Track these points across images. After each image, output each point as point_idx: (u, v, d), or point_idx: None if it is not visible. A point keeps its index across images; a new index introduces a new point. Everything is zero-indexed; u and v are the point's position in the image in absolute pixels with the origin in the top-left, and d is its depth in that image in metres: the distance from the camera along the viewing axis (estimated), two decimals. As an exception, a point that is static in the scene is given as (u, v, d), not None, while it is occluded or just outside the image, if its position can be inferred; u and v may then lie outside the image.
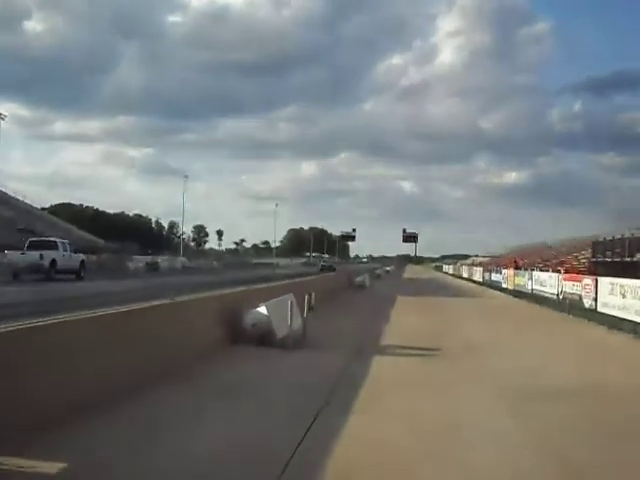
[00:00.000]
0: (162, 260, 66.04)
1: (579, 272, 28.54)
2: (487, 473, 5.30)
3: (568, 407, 7.45)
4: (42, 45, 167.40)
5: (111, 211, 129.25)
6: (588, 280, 20.84)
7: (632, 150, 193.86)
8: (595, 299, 19.46)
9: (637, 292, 16.44)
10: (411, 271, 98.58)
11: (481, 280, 49.33)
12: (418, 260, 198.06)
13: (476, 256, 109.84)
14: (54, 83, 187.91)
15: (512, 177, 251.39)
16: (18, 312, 11.10)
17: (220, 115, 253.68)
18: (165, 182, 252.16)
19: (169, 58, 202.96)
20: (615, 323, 16.59)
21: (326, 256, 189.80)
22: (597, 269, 27.89)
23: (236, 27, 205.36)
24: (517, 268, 39.07)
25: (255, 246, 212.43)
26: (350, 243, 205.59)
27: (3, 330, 6.03)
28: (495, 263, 60.44)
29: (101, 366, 6.98)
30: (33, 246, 32.15)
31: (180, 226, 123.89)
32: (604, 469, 5.44)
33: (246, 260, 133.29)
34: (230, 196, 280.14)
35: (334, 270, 65.60)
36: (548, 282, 26.67)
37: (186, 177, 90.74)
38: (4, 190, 75.23)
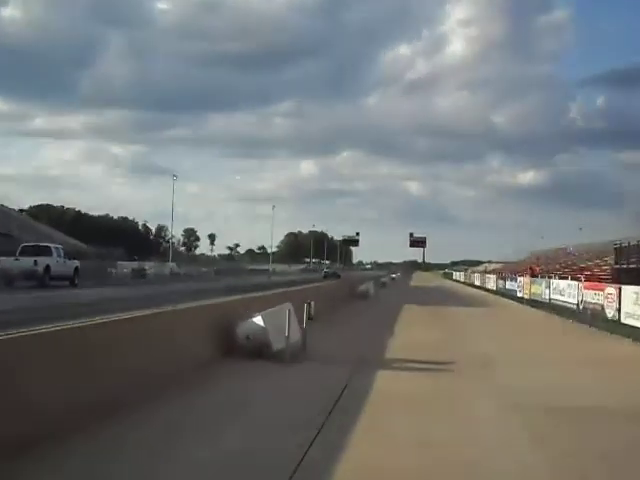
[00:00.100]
0: (149, 266, 66.04)
1: (601, 280, 28.49)
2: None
3: (600, 430, 7.33)
4: (20, 34, 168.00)
5: (94, 213, 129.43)
6: (611, 289, 20.78)
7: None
8: (618, 309, 19.40)
9: (664, 302, 16.37)
10: (419, 278, 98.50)
11: (494, 288, 49.29)
12: (426, 267, 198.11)
13: (489, 262, 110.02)
14: (33, 75, 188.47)
15: (528, 177, 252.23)
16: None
17: (212, 110, 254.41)
18: (153, 182, 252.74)
19: (157, 48, 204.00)
20: (640, 335, 16.51)
21: (327, 262, 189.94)
22: (620, 277, 27.79)
23: (229, 16, 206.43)
24: (533, 275, 39.00)
25: (250, 251, 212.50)
26: (353, 248, 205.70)
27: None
28: (510, 270, 60.39)
29: (39, 396, 6.19)
30: (26, 252, 33.12)
31: (169, 230, 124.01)
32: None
33: (240, 266, 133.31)
34: (223, 197, 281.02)
35: (338, 277, 65.73)
36: (567, 291, 26.62)
37: (175, 177, 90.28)
38: (-23, 190, 75.16)
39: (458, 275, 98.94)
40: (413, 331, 17.66)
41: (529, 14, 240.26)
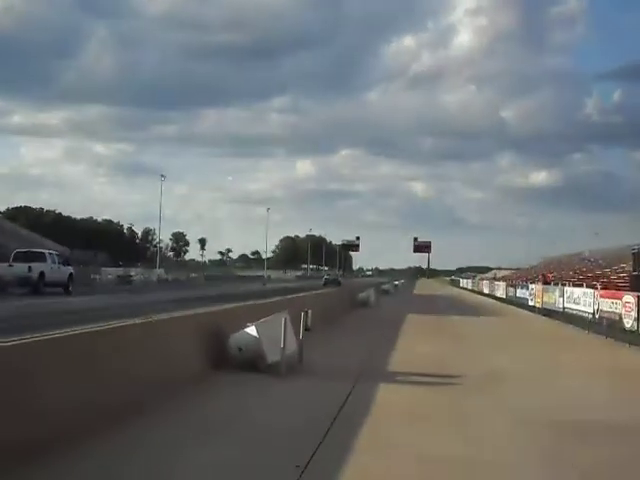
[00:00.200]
0: (135, 273, 66.07)
1: (618, 288, 28.45)
2: None
3: (619, 449, 7.29)
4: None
5: (76, 216, 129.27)
6: (629, 297, 20.73)
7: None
8: (637, 319, 19.34)
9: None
10: (423, 286, 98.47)
11: (504, 296, 49.24)
12: (431, 273, 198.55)
13: (498, 269, 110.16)
14: (10, 68, 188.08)
15: (540, 177, 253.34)
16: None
17: (203, 106, 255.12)
18: (139, 182, 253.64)
19: (144, 40, 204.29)
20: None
21: (325, 268, 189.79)
22: (639, 284, 27.77)
23: (222, 4, 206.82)
24: (546, 283, 38.97)
25: (244, 257, 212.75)
26: (353, 253, 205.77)
27: None
28: (520, 277, 60.39)
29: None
30: (20, 258, 34.18)
31: (156, 233, 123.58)
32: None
33: (232, 273, 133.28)
34: (214, 199, 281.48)
35: (339, 284, 65.84)
36: (582, 299, 26.56)
37: (163, 177, 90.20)
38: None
39: (465, 282, 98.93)
40: (417, 342, 17.62)
41: (541, 3, 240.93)
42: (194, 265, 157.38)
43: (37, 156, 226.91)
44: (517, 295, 43.71)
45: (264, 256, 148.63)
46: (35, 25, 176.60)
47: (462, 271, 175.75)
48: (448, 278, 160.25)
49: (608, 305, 22.61)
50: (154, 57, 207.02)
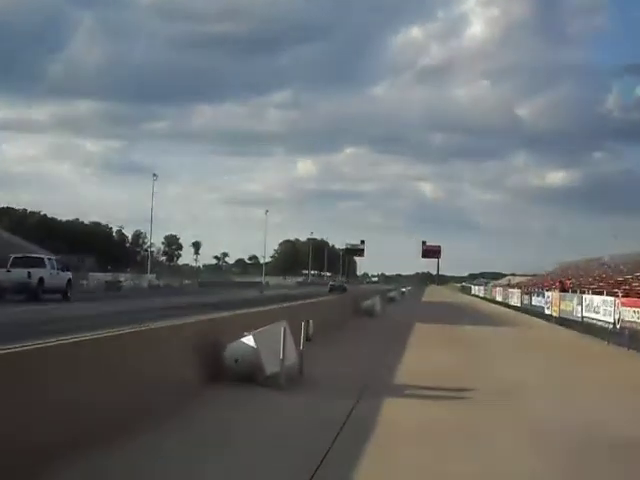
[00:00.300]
0: (125, 278, 66.16)
1: (641, 296, 28.40)
2: None
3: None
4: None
5: (62, 217, 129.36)
6: (652, 305, 20.73)
7: None
8: (661, 329, 19.34)
9: None
10: (432, 293, 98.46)
11: (519, 305, 49.27)
12: (441, 280, 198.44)
13: (512, 275, 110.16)
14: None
15: (558, 177, 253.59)
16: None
17: (198, 100, 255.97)
18: (130, 182, 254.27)
19: (136, 30, 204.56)
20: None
21: (327, 274, 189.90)
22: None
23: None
24: (563, 290, 38.93)
25: (240, 261, 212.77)
26: (357, 258, 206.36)
27: None
28: (536, 284, 60.35)
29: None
30: (18, 263, 35.09)
31: (148, 237, 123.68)
32: None
33: (228, 278, 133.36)
34: (210, 200, 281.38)
35: (345, 290, 66.16)
36: (602, 308, 26.56)
37: (155, 176, 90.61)
38: None
39: (477, 289, 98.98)
40: (426, 354, 17.61)
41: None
42: (188, 270, 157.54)
43: (20, 153, 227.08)
44: (532, 303, 43.71)
45: (262, 261, 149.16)
46: (21, 14, 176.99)
47: (474, 277, 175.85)
48: (459, 285, 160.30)
49: (630, 314, 22.61)
50: (145, 49, 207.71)
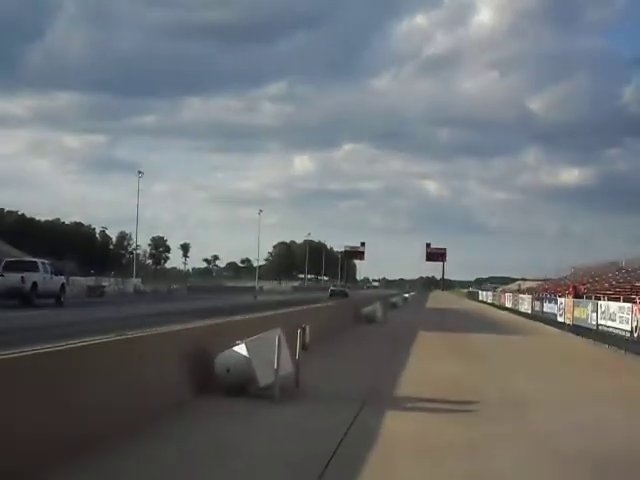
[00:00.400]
0: (109, 283, 66.12)
1: (660, 302, 28.41)
2: None
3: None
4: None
5: (42, 218, 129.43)
6: (672, 313, 20.76)
7: None
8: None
9: None
10: (437, 299, 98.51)
11: (530, 311, 49.25)
12: (446, 285, 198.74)
13: (523, 280, 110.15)
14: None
15: (572, 176, 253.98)
16: None
17: (187, 93, 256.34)
18: (114, 180, 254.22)
19: (120, 18, 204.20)
20: None
21: (325, 278, 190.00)
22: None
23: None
24: (577, 296, 38.96)
25: (232, 265, 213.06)
26: (357, 262, 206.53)
27: None
28: (548, 289, 60.39)
29: None
30: (11, 268, 36.57)
31: (133, 238, 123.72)
32: None
33: (219, 283, 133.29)
34: (199, 199, 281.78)
35: (346, 296, 66.36)
36: (618, 315, 26.55)
37: (141, 173, 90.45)
38: None
39: (485, 295, 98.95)
40: (429, 364, 17.62)
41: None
42: (176, 274, 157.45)
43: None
44: (544, 310, 43.70)
45: (255, 264, 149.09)
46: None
47: (481, 282, 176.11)
48: (465, 290, 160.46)
49: (648, 322, 22.61)
50: (130, 38, 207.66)
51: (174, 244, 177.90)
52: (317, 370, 13.98)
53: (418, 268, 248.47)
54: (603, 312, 28.84)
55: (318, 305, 32.33)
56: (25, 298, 34.85)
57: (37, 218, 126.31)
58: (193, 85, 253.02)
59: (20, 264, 37.67)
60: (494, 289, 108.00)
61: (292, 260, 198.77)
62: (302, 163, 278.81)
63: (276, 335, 11.56)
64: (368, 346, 22.27)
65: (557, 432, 9.91)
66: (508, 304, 64.66)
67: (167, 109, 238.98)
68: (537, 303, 47.85)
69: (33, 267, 36.95)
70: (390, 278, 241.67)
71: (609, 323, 27.44)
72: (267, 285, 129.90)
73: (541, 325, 38.94)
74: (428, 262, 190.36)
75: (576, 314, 33.86)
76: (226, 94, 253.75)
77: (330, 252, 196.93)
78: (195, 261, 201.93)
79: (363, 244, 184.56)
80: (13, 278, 34.76)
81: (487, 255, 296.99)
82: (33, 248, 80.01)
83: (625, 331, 24.88)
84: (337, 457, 8.03)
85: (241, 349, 11.47)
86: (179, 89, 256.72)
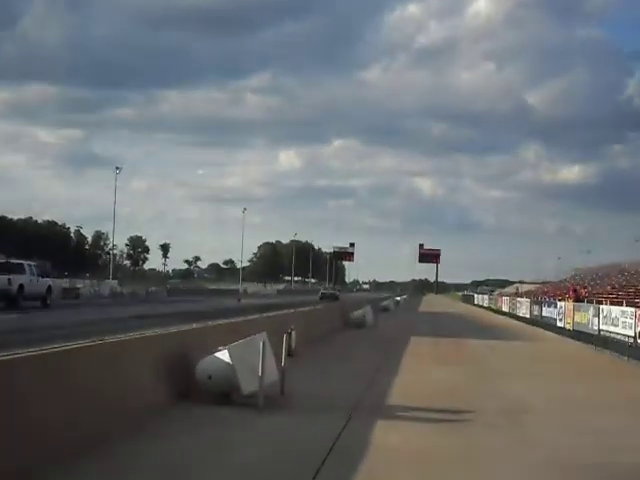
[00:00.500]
0: (84, 285, 65.92)
1: (664, 306, 28.51)
2: None
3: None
4: None
5: (13, 216, 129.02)
6: (677, 317, 20.83)
7: None
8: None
9: None
10: (430, 302, 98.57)
11: (528, 316, 49.36)
12: (440, 287, 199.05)
13: (520, 283, 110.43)
14: None
15: (573, 173, 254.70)
16: None
17: (167, 85, 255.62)
18: (89, 176, 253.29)
19: (95, 5, 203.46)
20: None
21: (312, 281, 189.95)
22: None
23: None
24: (578, 300, 39.04)
25: (214, 266, 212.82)
26: (346, 263, 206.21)
27: None
28: (548, 293, 60.52)
29: None
30: None
31: (110, 238, 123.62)
32: None
33: (201, 285, 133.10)
34: (180, 197, 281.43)
35: (337, 299, 66.80)
36: (621, 320, 26.64)
37: (118, 169, 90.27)
38: None
39: (481, 298, 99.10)
40: (422, 371, 17.66)
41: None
42: (155, 276, 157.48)
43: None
44: (543, 314, 43.80)
45: (239, 266, 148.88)
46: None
47: (477, 285, 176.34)
48: (460, 293, 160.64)
49: (652, 327, 22.68)
50: (107, 26, 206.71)
51: (153, 244, 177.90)
52: (303, 377, 13.97)
53: (410, 270, 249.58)
54: (605, 317, 28.92)
55: (305, 309, 32.32)
56: (12, 300, 35.65)
57: (8, 216, 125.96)
58: (173, 76, 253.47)
59: (6, 266, 38.25)
60: (490, 292, 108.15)
61: (278, 261, 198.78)
62: (288, 159, 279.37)
63: (260, 340, 11.55)
64: (357, 352, 22.26)
65: (557, 442, 9.92)
66: (505, 308, 64.77)
67: (145, 101, 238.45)
68: (536, 307, 47.96)
69: (19, 269, 37.82)
70: (381, 280, 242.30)
71: (611, 328, 27.51)
72: (251, 288, 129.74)
73: (540, 330, 39.00)
74: (421, 264, 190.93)
75: (576, 319, 33.95)
76: (207, 86, 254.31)
77: (318, 253, 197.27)
78: (175, 262, 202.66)
79: (352, 245, 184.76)
80: (0, 280, 35.47)
81: (483, 257, 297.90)
82: (3, 248, 79.76)
83: (628, 337, 24.95)
84: (324, 470, 8.01)
85: (223, 355, 11.46)
86: (158, 80, 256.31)
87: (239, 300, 69.68)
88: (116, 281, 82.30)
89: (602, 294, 42.50)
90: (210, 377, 11.34)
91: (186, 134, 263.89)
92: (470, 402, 12.83)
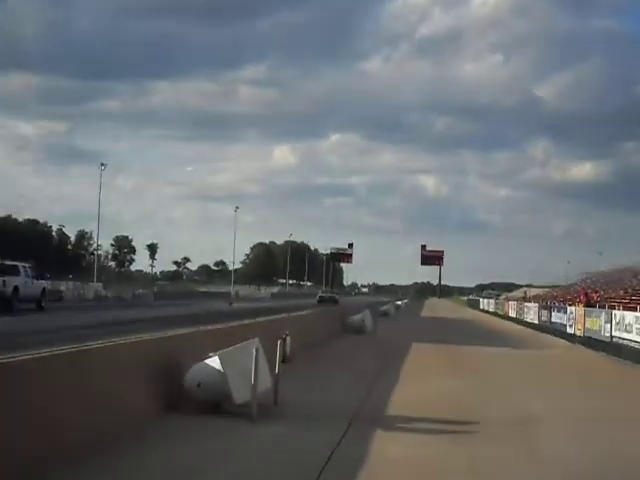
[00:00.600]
0: (66, 287, 65.82)
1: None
2: None
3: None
4: None
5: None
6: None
7: None
8: None
9: None
10: (433, 307, 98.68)
11: (536, 321, 49.43)
12: (443, 291, 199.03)
13: (529, 287, 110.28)
14: None
15: (584, 170, 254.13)
16: None
17: (155, 76, 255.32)
18: (72, 172, 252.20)
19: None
20: None
21: (308, 284, 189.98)
22: None
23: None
24: (589, 305, 39.09)
25: (205, 268, 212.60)
26: (344, 265, 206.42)
27: None
28: (557, 297, 60.57)
29: None
30: None
31: (94, 237, 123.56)
32: None
33: (190, 288, 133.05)
34: (168, 195, 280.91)
35: (336, 303, 67.17)
36: (635, 326, 26.64)
37: (103, 165, 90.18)
38: None
39: (486, 303, 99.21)
40: (425, 379, 17.64)
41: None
42: (142, 278, 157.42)
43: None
44: (552, 320, 43.85)
45: (231, 267, 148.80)
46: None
47: (483, 289, 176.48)
48: (465, 297, 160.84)
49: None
50: (93, 13, 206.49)
51: (140, 244, 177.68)
52: (299, 385, 13.96)
53: (412, 273, 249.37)
54: (618, 323, 28.92)
55: (300, 313, 32.30)
56: (6, 303, 36.25)
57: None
58: (162, 67, 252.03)
59: (0, 267, 38.93)
60: (497, 296, 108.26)
61: (272, 263, 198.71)
62: (283, 155, 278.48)
63: (253, 346, 11.52)
64: (356, 359, 22.23)
65: (567, 457, 9.88)
66: (512, 313, 64.87)
67: (133, 93, 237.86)
68: (544, 312, 48.01)
69: (14, 271, 38.73)
70: (381, 284, 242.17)
71: (624, 335, 27.51)
72: (244, 290, 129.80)
73: (549, 337, 39.04)
74: (423, 266, 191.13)
75: (588, 325, 33.96)
76: (199, 77, 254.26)
77: (314, 254, 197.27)
78: (163, 263, 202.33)
79: (351, 245, 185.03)
80: None
81: (489, 259, 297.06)
82: (-20, 248, 79.68)
83: (642, 344, 24.98)
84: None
85: (214, 362, 11.43)
86: (146, 71, 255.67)
87: (231, 304, 69.64)
88: (100, 283, 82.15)
89: (615, 299, 42.54)
90: (200, 385, 11.32)
91: (176, 128, 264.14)
92: (475, 413, 12.82)
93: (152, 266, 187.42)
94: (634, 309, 30.47)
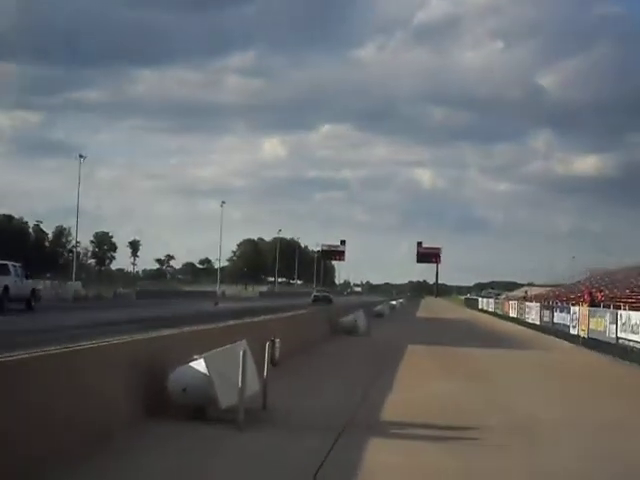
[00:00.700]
0: (44, 286, 65.78)
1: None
2: None
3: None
4: None
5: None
6: None
7: None
8: None
9: None
10: (429, 307, 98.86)
11: (538, 322, 49.50)
12: (441, 290, 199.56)
13: (530, 285, 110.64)
14: None
15: (588, 164, 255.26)
16: None
17: (137, 63, 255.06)
18: (49, 165, 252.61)
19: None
20: None
21: (298, 282, 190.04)
22: None
23: None
24: (593, 304, 39.17)
25: (189, 266, 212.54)
26: (336, 263, 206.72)
27: None
28: (560, 297, 60.69)
29: None
30: None
31: (73, 234, 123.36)
32: None
33: (174, 287, 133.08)
34: (151, 189, 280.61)
35: (330, 302, 67.61)
36: (641, 327, 26.70)
37: (83, 158, 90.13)
38: None
39: (485, 303, 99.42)
40: (421, 383, 17.66)
41: None
42: (123, 277, 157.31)
43: None
44: (554, 320, 43.92)
45: (217, 266, 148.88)
46: None
47: (481, 288, 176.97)
48: (462, 297, 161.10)
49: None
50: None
51: (121, 241, 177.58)
52: (288, 390, 13.96)
53: (407, 271, 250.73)
54: (624, 323, 28.99)
55: (290, 314, 32.32)
56: None
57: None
58: (144, 54, 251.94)
59: None
60: (496, 296, 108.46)
61: (260, 261, 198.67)
62: (272, 147, 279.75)
63: (241, 349, 11.51)
64: (348, 362, 22.28)
65: (570, 465, 9.89)
66: (512, 313, 64.97)
67: (113, 82, 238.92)
68: (546, 312, 48.09)
69: (4, 270, 39.49)
70: (375, 282, 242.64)
71: (631, 336, 27.57)
72: (230, 290, 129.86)
73: (551, 338, 39.08)
74: (419, 264, 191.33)
75: (592, 325, 34.02)
76: (183, 66, 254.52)
77: (305, 251, 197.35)
78: (146, 262, 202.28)
79: (343, 242, 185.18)
80: None
81: (488, 256, 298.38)
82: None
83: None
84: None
85: (199, 365, 11.42)
86: (127, 59, 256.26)
87: (216, 304, 69.62)
88: (80, 282, 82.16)
89: (620, 298, 42.68)
90: (184, 389, 11.31)
91: (158, 119, 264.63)
92: (474, 419, 12.82)
93: (134, 264, 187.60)
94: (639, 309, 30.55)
